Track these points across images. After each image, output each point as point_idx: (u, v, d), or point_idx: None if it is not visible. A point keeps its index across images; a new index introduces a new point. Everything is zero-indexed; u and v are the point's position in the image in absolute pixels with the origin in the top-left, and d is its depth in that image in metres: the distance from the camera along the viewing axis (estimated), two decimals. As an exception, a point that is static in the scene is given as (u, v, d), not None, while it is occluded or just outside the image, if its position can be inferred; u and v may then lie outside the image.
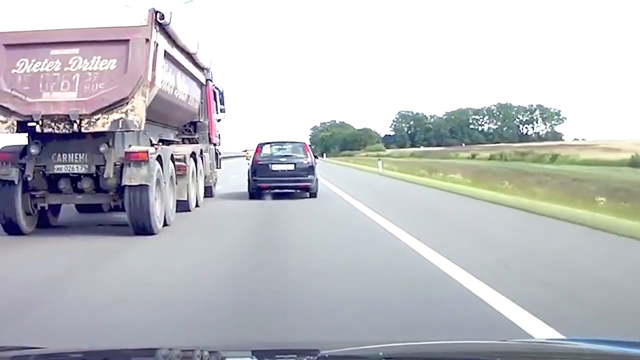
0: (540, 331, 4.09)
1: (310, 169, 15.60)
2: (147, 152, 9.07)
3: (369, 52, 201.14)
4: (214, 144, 15.81)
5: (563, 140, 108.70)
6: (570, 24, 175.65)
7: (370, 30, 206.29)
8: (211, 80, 15.20)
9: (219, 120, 16.48)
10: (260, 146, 16.26)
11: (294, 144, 16.89)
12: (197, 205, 12.86)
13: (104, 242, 8.67)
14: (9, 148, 9.33)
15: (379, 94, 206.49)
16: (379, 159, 37.87)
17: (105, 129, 8.58)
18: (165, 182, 9.92)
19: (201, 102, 14.00)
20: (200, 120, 14.30)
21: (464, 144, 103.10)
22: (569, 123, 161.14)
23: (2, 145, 9.69)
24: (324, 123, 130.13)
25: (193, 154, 12.58)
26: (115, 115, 8.48)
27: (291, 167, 15.60)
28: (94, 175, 9.13)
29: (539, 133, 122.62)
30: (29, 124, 8.88)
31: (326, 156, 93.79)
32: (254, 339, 4.05)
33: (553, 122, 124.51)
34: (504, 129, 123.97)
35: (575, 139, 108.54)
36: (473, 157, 66.15)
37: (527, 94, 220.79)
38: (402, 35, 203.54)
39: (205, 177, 14.19)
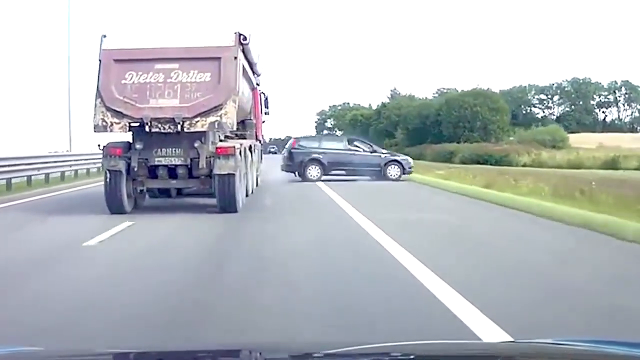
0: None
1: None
2: (234, 147, 12.88)
3: (385, 15, 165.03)
4: (259, 141, 20.87)
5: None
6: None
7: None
8: (259, 85, 19.93)
9: (263, 122, 21.70)
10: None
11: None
12: (252, 192, 17.05)
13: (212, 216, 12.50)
14: (116, 144, 13.05)
15: (404, 66, 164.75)
16: None
17: (204, 129, 12.39)
18: (241, 171, 13.81)
19: (251, 103, 18.30)
20: (249, 119, 18.43)
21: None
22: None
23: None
24: (333, 106, 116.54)
25: (250, 148, 16.58)
26: (211, 118, 12.30)
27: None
28: (188, 165, 12.99)
29: (622, 119, 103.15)
30: (133, 125, 12.83)
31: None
32: (251, 339, 4.78)
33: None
34: (578, 114, 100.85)
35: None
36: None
37: (606, 68, 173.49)
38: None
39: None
